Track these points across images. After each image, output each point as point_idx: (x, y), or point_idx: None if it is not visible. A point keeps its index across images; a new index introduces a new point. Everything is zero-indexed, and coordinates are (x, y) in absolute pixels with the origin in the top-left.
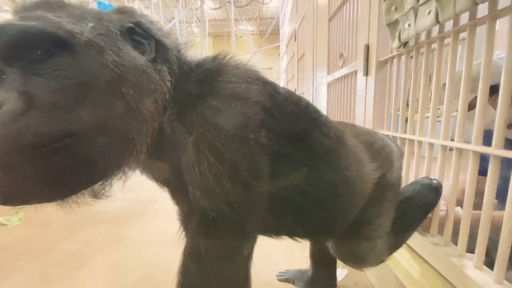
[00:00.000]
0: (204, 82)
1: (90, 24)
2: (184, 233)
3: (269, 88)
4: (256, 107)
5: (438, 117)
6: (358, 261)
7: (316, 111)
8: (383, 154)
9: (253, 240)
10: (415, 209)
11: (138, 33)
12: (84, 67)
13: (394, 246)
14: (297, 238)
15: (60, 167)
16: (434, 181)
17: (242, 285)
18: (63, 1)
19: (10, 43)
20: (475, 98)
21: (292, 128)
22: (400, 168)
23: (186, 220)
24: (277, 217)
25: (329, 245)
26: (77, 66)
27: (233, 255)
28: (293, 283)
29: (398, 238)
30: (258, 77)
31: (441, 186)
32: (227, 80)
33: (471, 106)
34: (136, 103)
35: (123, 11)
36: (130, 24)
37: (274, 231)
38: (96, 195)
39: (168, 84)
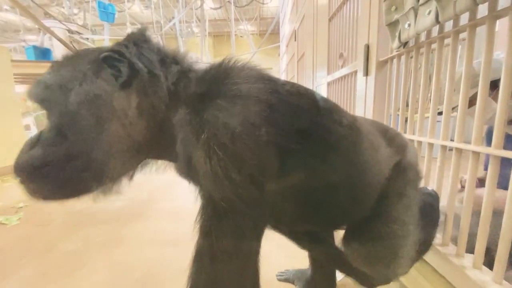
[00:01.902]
0: (213, 86)
1: (64, 73)
2: (197, 226)
3: (274, 85)
4: (261, 105)
5: (438, 114)
6: (380, 268)
7: (324, 100)
8: (397, 141)
9: (262, 232)
10: (427, 214)
11: (114, 58)
12: (57, 112)
13: (418, 253)
14: (311, 231)
15: (54, 181)
16: (429, 188)
17: (252, 278)
18: (69, 56)
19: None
20: (474, 94)
21: (300, 121)
22: (416, 161)
23: (199, 213)
24: (294, 208)
25: (348, 255)
26: (55, 112)
27: (244, 246)
28: (293, 283)
29: (420, 245)
30: (262, 76)
31: (436, 193)
32: (233, 82)
33: (472, 101)
34: (97, 134)
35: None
36: (105, 53)
37: (290, 223)
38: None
39: (134, 104)
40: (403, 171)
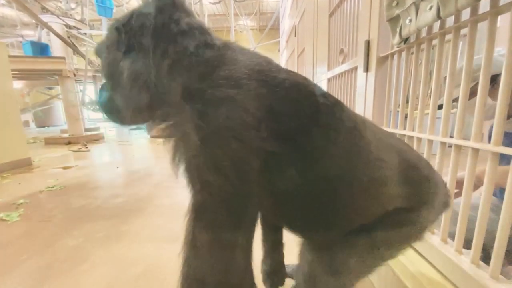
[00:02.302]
0: (198, 82)
1: (102, 40)
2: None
3: (265, 86)
4: (239, 112)
5: (439, 108)
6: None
7: (326, 112)
8: (422, 189)
9: (243, 231)
10: None
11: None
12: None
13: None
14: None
15: (111, 115)
16: None
17: (239, 276)
18: (121, 28)
19: None
20: (475, 85)
21: (285, 130)
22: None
23: (188, 205)
24: (272, 207)
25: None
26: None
27: (223, 239)
28: (292, 277)
29: None
30: (255, 75)
31: None
32: (217, 84)
33: (471, 94)
34: (116, 91)
35: None
36: (116, 25)
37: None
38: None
39: (128, 73)
40: (406, 225)
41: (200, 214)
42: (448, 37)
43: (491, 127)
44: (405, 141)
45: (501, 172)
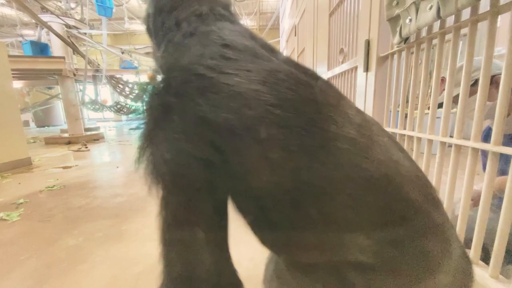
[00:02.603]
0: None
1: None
2: None
3: (200, 98)
4: (177, 120)
5: (439, 104)
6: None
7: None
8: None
9: (202, 227)
10: None
11: None
12: None
13: None
14: None
15: None
16: None
17: (205, 271)
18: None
19: None
20: (471, 85)
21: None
22: None
23: None
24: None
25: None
26: None
27: (178, 240)
28: None
29: None
30: (199, 81)
31: None
32: (162, 91)
33: (470, 92)
34: None
35: None
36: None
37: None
38: None
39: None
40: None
41: (159, 209)
42: (448, 36)
43: (487, 128)
44: (405, 140)
45: (500, 180)
